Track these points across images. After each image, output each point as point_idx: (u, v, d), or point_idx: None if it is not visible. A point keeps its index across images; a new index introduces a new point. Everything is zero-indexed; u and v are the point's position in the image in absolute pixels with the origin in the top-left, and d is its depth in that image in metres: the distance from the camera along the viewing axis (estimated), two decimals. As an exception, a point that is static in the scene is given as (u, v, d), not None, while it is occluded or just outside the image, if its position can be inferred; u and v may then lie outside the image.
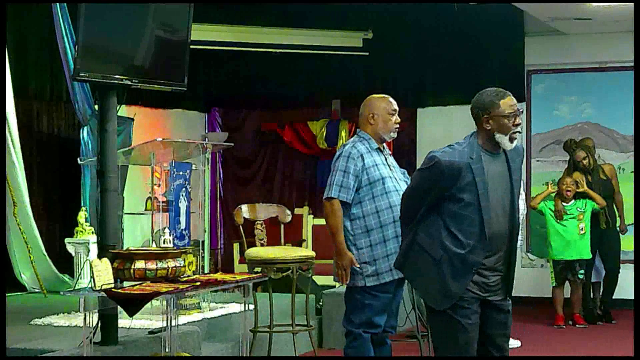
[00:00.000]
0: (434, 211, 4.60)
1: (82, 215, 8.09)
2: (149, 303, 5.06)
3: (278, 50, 11.06)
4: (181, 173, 7.16)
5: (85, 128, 8.81)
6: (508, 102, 4.59)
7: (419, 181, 4.66)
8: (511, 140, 4.59)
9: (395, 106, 5.76)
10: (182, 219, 7.15)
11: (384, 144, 5.79)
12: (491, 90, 4.69)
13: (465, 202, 4.52)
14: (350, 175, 5.54)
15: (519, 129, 4.61)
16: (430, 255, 4.57)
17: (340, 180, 5.55)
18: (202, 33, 9.71)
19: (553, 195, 9.29)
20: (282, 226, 7.19)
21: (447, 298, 4.56)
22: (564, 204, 9.09)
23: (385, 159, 5.69)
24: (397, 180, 5.65)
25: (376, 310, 5.56)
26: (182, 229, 7.12)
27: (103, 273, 5.04)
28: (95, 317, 5.30)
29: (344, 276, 5.53)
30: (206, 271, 7.49)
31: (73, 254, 8.04)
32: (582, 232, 9.08)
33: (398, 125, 5.77)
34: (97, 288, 4.97)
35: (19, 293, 8.61)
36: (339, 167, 5.57)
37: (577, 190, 9.20)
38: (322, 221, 10.00)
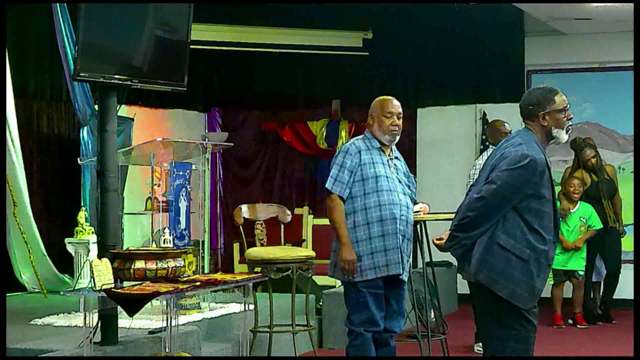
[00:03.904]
0: (512, 210, 4.62)
1: (82, 215, 8.10)
2: (149, 303, 5.06)
3: (278, 50, 11.06)
4: (181, 173, 7.16)
5: (85, 128, 8.82)
6: (561, 97, 4.73)
7: (510, 181, 4.60)
8: (567, 133, 4.76)
9: (393, 109, 5.76)
10: (182, 219, 7.15)
11: (393, 147, 5.84)
12: (540, 87, 4.83)
13: (546, 199, 4.63)
14: (346, 170, 5.64)
15: (571, 122, 4.77)
16: (516, 255, 4.59)
17: (336, 174, 5.66)
18: (202, 33, 9.72)
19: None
20: (282, 226, 7.19)
21: (533, 296, 4.63)
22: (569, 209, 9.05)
23: (388, 160, 5.74)
24: (394, 181, 5.69)
25: (371, 307, 5.63)
26: (182, 229, 7.12)
27: (103, 273, 5.04)
28: (95, 317, 5.30)
29: (352, 270, 5.59)
30: (206, 271, 7.49)
31: (73, 254, 8.04)
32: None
33: (395, 128, 5.75)
34: (97, 288, 4.97)
35: (19, 293, 8.60)
36: (336, 162, 5.70)
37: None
38: (322, 221, 10.05)
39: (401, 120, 5.81)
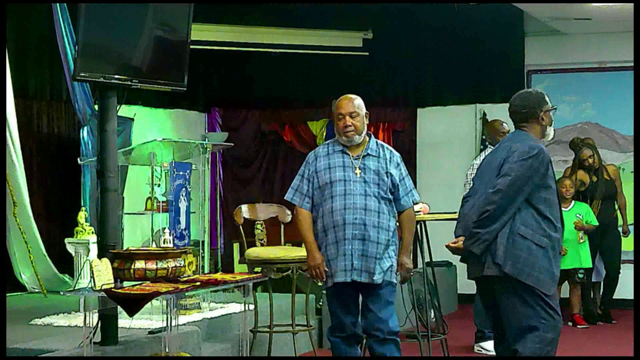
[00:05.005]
0: (524, 202, 4.83)
1: (82, 215, 8.08)
2: (149, 303, 5.06)
3: (278, 50, 11.07)
4: (181, 173, 7.16)
5: (85, 128, 8.81)
6: (547, 98, 5.11)
7: (522, 171, 4.83)
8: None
9: (342, 109, 5.59)
10: (182, 219, 7.15)
11: (372, 144, 5.66)
12: (528, 91, 5.20)
13: (552, 189, 4.88)
14: (304, 179, 5.67)
15: None
16: (535, 243, 4.81)
17: (296, 184, 5.71)
18: (202, 33, 9.72)
19: None
20: (282, 226, 7.19)
21: (554, 282, 4.88)
22: (563, 208, 9.04)
23: (353, 161, 5.58)
24: (355, 183, 5.54)
25: (338, 313, 5.66)
26: (182, 229, 7.12)
27: (103, 273, 5.04)
28: (95, 317, 5.29)
29: (319, 275, 5.64)
30: (206, 271, 7.49)
31: (73, 254, 8.03)
32: (581, 240, 9.07)
33: (347, 129, 5.57)
34: (97, 288, 4.97)
35: (19, 293, 8.60)
36: (298, 171, 5.73)
37: (580, 190, 9.23)
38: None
39: (358, 118, 5.56)
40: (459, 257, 5.14)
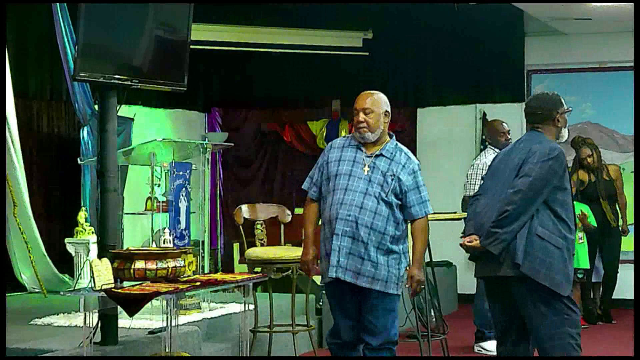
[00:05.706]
0: (542, 202, 4.89)
1: (82, 215, 8.09)
2: (149, 303, 5.06)
3: (278, 50, 11.07)
4: (181, 173, 7.16)
5: (85, 128, 8.81)
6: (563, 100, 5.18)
7: (542, 173, 4.88)
8: None
9: (357, 105, 5.45)
10: (182, 219, 7.15)
11: (389, 145, 5.49)
12: (545, 92, 5.25)
13: (568, 191, 4.94)
14: (317, 168, 5.63)
15: None
16: (553, 244, 4.85)
17: (312, 172, 5.68)
18: (202, 33, 9.72)
19: None
20: (282, 226, 7.18)
21: (569, 284, 4.92)
22: None
23: (365, 158, 5.44)
24: (360, 180, 5.39)
25: (336, 316, 5.53)
26: (182, 229, 7.12)
27: (103, 273, 5.04)
28: (95, 317, 5.30)
29: (305, 271, 5.67)
30: (206, 271, 7.49)
31: (73, 254, 8.03)
32: (580, 241, 9.06)
33: (359, 125, 5.43)
34: (97, 288, 4.97)
35: (19, 293, 8.60)
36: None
37: (580, 189, 9.23)
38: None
39: (372, 115, 5.39)
40: (468, 255, 5.13)
